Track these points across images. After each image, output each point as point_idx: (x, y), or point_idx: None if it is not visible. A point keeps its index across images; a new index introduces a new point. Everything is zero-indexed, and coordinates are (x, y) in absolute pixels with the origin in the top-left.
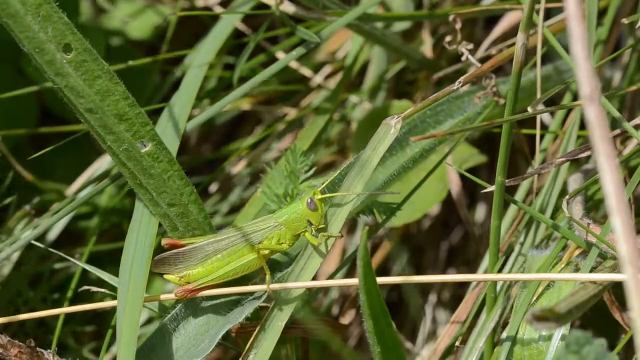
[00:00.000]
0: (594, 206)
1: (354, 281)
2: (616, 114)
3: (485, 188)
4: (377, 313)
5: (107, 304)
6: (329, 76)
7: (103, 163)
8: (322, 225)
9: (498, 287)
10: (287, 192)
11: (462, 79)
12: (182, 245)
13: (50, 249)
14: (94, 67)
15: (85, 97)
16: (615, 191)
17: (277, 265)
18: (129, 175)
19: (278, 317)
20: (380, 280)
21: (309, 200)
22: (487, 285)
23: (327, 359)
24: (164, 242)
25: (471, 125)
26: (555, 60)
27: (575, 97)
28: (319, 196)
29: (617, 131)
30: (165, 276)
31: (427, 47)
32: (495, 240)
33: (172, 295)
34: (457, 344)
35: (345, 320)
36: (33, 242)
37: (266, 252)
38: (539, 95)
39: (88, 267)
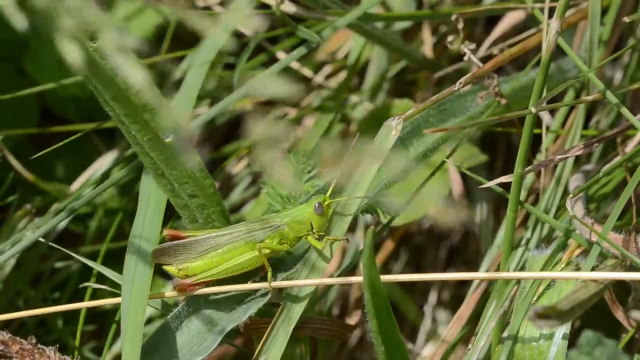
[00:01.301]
0: (595, 206)
1: (357, 279)
2: (627, 112)
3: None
4: (382, 312)
5: (109, 301)
6: (329, 76)
7: (103, 163)
8: (322, 232)
9: (499, 286)
10: (291, 193)
11: (463, 79)
12: (184, 237)
13: (53, 245)
14: None
15: (112, 86)
16: None
17: (281, 265)
18: (150, 166)
19: (288, 319)
20: (382, 278)
21: (317, 205)
22: (499, 282)
23: (334, 359)
24: (166, 232)
25: (481, 120)
26: (558, 59)
27: (578, 95)
28: (328, 201)
29: (620, 127)
30: (164, 267)
31: (427, 47)
32: (510, 233)
33: (175, 293)
34: (469, 347)
35: (351, 321)
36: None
37: (267, 251)
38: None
39: (91, 264)
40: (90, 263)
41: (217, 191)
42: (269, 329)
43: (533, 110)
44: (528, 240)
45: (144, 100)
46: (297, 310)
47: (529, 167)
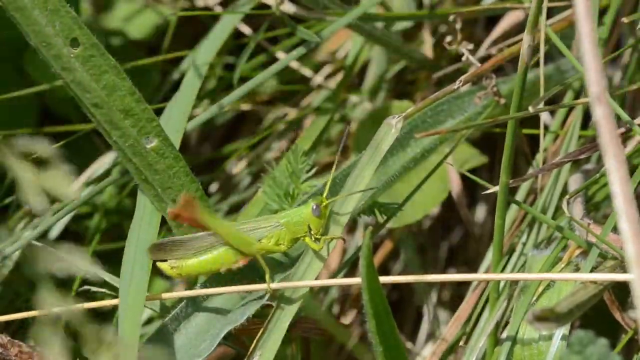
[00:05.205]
0: (594, 206)
1: (355, 280)
2: (623, 114)
3: (486, 189)
4: (380, 313)
5: (108, 302)
6: (329, 76)
7: (103, 163)
8: (319, 235)
9: (500, 287)
10: (288, 192)
11: (462, 78)
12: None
13: (51, 249)
14: (101, 62)
15: (91, 92)
16: (623, 192)
17: (278, 266)
18: (134, 171)
19: (282, 318)
20: (381, 279)
21: (315, 207)
22: (490, 284)
23: (328, 359)
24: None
25: (474, 123)
26: (557, 59)
27: (577, 96)
28: (325, 202)
29: (622, 129)
30: (157, 264)
31: (427, 47)
32: (499, 239)
33: (173, 295)
34: (461, 343)
35: (346, 320)
36: (33, 241)
37: (263, 251)
38: (542, 94)
39: (89, 267)
40: (87, 266)
41: (205, 195)
42: (263, 328)
43: (532, 108)
44: (527, 240)
45: (125, 106)
46: (291, 310)
47: (515, 179)
